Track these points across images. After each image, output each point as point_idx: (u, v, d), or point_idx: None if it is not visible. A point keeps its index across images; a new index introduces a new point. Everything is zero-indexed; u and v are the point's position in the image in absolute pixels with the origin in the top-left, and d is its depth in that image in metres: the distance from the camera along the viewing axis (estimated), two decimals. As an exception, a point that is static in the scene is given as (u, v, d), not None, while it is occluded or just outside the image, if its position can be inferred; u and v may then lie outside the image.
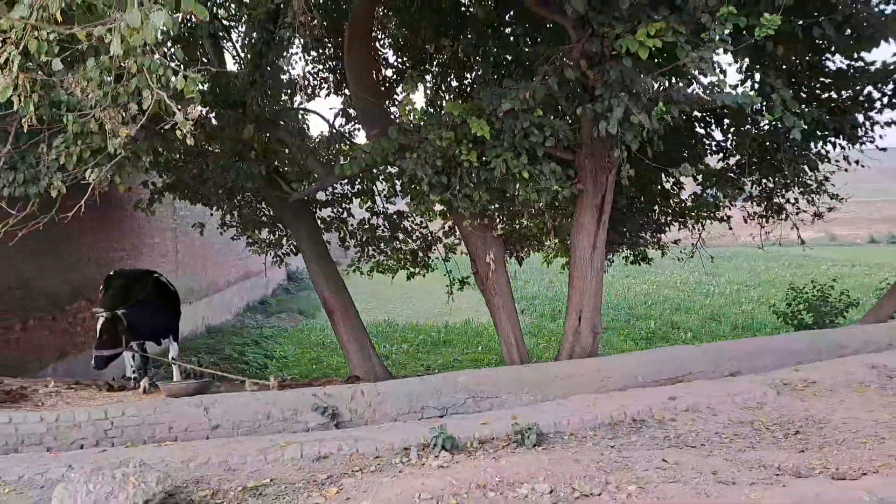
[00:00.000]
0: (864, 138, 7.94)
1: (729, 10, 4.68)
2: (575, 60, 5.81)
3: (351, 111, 8.01)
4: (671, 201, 10.06)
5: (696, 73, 5.05)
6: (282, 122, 6.64)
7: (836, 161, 8.40)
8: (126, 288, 6.48)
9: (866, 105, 7.69)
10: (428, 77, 8.52)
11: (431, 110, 6.95)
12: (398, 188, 7.40)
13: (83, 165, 4.03)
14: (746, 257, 33.05)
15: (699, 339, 15.11)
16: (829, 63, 7.75)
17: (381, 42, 8.13)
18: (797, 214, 9.05)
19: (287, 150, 6.83)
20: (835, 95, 7.81)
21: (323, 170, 6.69)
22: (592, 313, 7.28)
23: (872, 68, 7.49)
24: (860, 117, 7.69)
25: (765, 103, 6.15)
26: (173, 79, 2.90)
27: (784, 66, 7.58)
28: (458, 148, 6.07)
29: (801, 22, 5.68)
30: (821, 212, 8.96)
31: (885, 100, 7.65)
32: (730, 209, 9.92)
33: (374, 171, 6.56)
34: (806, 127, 6.44)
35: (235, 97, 6.48)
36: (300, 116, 7.29)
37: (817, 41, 7.16)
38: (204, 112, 6.24)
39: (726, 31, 4.84)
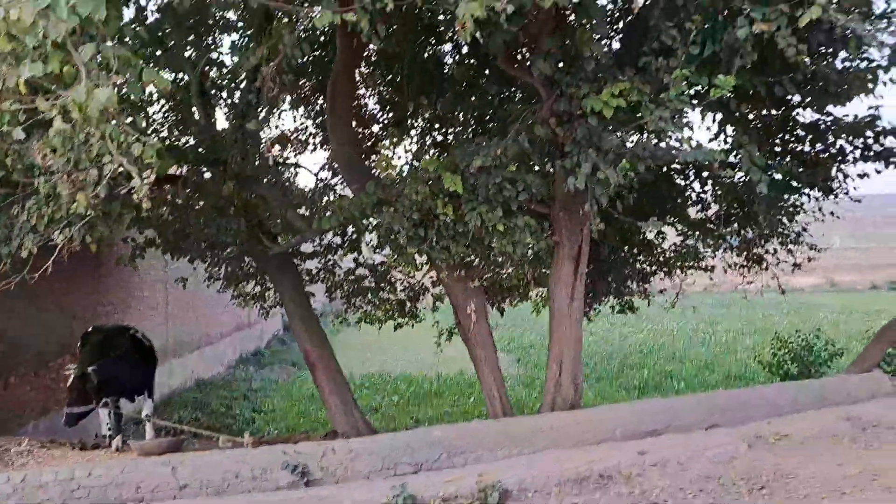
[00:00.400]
0: (838, 190, 8.08)
1: (682, 73, 4.84)
2: (545, 119, 5.97)
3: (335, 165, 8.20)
4: (654, 251, 10.16)
5: (660, 130, 5.19)
6: (263, 178, 6.78)
7: (812, 212, 8.53)
8: (102, 344, 6.51)
9: (839, 158, 7.84)
10: (413, 132, 8.76)
11: (408, 165, 7.12)
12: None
13: (54, 226, 4.13)
14: (745, 305, 32.98)
15: (692, 388, 15.01)
16: (801, 118, 7.96)
17: (367, 98, 8.36)
18: (777, 265, 9.13)
19: (268, 205, 6.96)
20: (808, 149, 7.98)
21: (304, 223, 6.81)
22: (573, 364, 7.29)
23: (845, 122, 7.70)
24: (833, 170, 7.84)
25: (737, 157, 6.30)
26: (134, 145, 3.01)
27: (757, 122, 7.80)
28: (434, 202, 6.19)
29: (762, 80, 5.86)
30: (799, 262, 9.04)
31: (858, 153, 7.80)
32: (713, 259, 10.04)
33: (363, 222, 6.67)
34: (772, 180, 6.57)
35: (219, 155, 6.65)
36: (280, 171, 7.45)
37: (787, 97, 7.39)
38: (183, 170, 6.38)
39: (683, 92, 4.99)
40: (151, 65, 6.59)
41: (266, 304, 9.22)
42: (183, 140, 7.53)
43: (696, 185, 9.07)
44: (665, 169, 8.41)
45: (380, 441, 5.44)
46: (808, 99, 7.27)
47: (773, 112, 7.87)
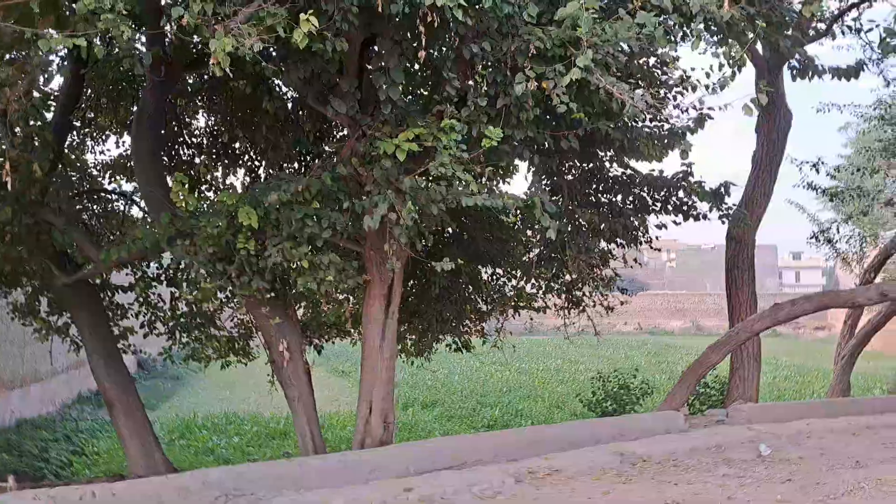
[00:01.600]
0: (642, 239, 8.71)
1: (449, 123, 5.11)
2: (346, 158, 6.07)
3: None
4: (489, 291, 10.47)
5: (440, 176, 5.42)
6: (50, 205, 6.43)
7: (623, 259, 9.14)
8: None
9: (641, 209, 8.46)
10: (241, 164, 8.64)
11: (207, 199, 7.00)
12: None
13: None
14: (612, 345, 34.63)
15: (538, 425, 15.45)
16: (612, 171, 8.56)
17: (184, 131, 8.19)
18: (594, 307, 9.66)
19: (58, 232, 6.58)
20: (615, 199, 8.58)
21: (98, 254, 6.50)
22: (384, 403, 7.30)
23: (648, 177, 8.36)
24: (635, 221, 8.44)
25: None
26: None
27: (567, 174, 8.32)
28: (235, 236, 6.10)
29: (551, 134, 6.26)
30: (612, 305, 9.60)
31: (658, 205, 8.45)
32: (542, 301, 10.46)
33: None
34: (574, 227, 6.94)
35: None
36: (73, 197, 7.11)
37: (597, 150, 7.94)
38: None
39: (455, 140, 5.24)
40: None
41: (69, 338, 8.63)
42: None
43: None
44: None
45: (151, 483, 5.19)
46: (611, 154, 7.86)
47: (585, 165, 8.45)
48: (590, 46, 5.04)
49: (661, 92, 6.62)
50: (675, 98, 7.36)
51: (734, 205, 9.22)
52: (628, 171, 8.19)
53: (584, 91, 5.50)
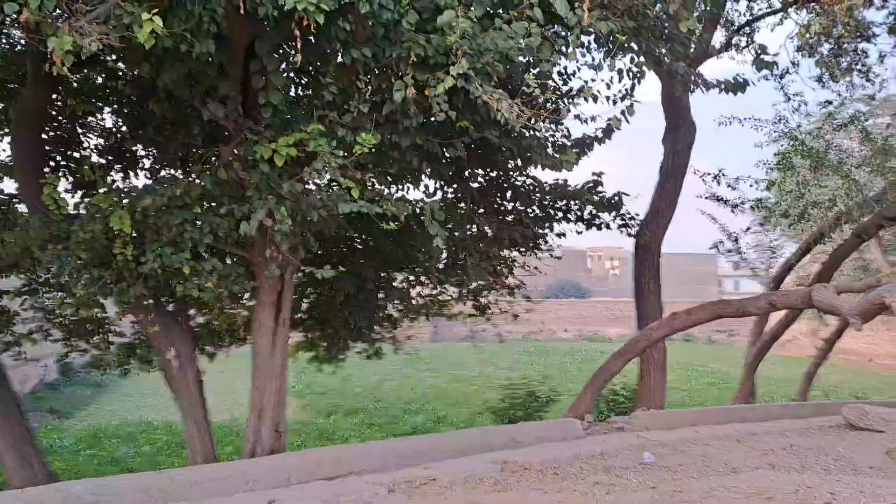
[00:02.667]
0: (544, 247, 8.81)
1: (316, 128, 5.05)
2: (227, 162, 5.94)
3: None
4: (400, 297, 10.42)
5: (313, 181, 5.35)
6: None
7: (524, 266, 9.22)
8: None
9: (544, 218, 8.57)
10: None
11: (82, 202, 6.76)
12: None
13: None
14: (546, 352, 35.04)
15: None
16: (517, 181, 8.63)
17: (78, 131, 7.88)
18: (500, 313, 9.73)
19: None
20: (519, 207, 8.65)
21: (-36, 258, 6.20)
22: (275, 412, 7.17)
23: (549, 186, 8.46)
24: (537, 229, 8.54)
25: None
26: None
27: (471, 180, 8.34)
28: (111, 242, 5.89)
29: (439, 142, 6.27)
30: (517, 312, 9.69)
31: (560, 214, 8.58)
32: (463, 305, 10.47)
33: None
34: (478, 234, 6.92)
35: None
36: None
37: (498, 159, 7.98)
38: None
39: (326, 145, 5.18)
40: None
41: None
42: None
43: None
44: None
45: (5, 498, 4.94)
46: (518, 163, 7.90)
47: (490, 173, 8.49)
48: (464, 56, 5.05)
49: (560, 102, 6.68)
50: (576, 107, 7.49)
51: (637, 214, 9.41)
52: (528, 181, 8.26)
53: (469, 100, 5.51)
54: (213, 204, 6.15)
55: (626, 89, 7.15)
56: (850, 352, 32.34)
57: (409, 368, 24.47)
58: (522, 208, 8.61)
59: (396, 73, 5.51)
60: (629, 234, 8.98)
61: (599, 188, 8.58)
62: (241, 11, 4.38)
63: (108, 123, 8.33)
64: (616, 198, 8.28)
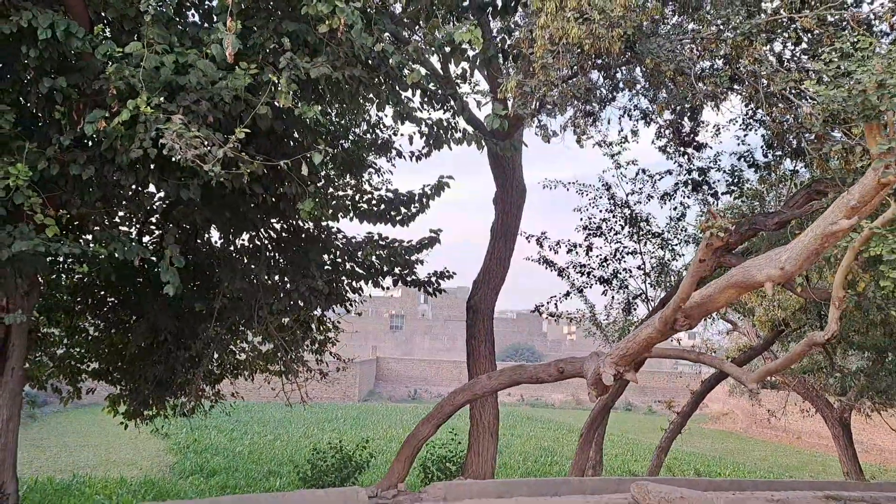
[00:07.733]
0: (353, 305, 8.45)
1: None
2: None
3: None
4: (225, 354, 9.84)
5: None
6: None
7: (338, 324, 8.82)
8: None
9: (333, 271, 8.20)
10: None
11: None
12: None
13: None
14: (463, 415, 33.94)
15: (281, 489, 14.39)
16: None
17: None
18: (311, 374, 9.22)
19: None
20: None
21: None
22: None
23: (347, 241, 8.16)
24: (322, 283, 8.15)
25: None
26: None
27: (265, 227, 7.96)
28: None
29: (173, 184, 5.87)
30: (327, 371, 9.22)
31: (349, 267, 8.23)
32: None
33: None
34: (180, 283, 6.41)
35: None
36: None
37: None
38: None
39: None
40: None
41: None
42: None
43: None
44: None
45: None
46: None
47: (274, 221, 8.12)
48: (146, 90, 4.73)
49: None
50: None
51: (454, 273, 9.14)
52: (316, 232, 7.94)
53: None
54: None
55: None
56: (779, 429, 32.37)
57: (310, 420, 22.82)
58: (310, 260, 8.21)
59: (96, 104, 5.17)
60: (427, 292, 8.67)
61: (437, 244, 8.37)
62: None
63: None
64: (413, 255, 7.99)
